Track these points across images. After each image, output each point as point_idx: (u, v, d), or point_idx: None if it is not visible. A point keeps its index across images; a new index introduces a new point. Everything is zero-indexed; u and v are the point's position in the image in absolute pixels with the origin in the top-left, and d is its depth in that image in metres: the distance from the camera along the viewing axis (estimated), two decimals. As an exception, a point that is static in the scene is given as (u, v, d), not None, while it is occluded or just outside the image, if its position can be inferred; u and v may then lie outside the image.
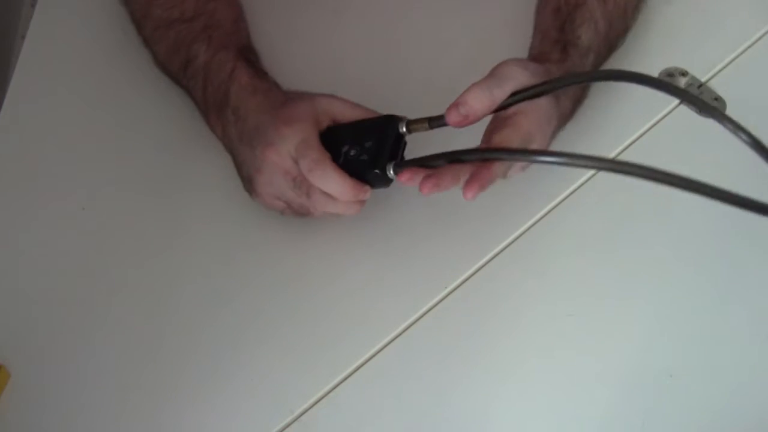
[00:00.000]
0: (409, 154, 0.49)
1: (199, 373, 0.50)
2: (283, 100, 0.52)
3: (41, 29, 0.68)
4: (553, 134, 0.52)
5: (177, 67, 0.57)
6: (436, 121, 0.47)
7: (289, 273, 0.54)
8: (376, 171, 0.47)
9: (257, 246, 0.55)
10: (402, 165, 0.47)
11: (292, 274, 0.54)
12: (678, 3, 0.68)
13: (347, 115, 0.50)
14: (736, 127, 0.37)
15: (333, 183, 0.47)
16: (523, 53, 0.57)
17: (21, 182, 0.59)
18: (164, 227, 0.56)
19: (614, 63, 0.63)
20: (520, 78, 0.46)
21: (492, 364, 0.50)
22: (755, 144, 0.37)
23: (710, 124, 0.40)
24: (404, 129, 0.48)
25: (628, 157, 0.59)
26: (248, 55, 0.57)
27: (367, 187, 0.48)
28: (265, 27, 0.63)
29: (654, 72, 0.63)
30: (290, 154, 0.48)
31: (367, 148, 0.48)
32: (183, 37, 0.57)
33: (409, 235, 0.55)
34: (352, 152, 0.48)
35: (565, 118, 0.53)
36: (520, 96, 0.46)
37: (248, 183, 0.52)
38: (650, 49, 0.64)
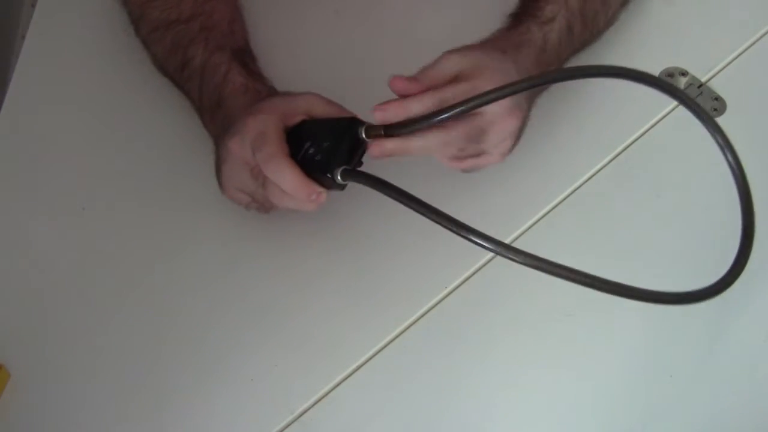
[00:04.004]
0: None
1: (199, 373, 0.49)
2: (264, 98, 0.51)
3: (41, 29, 0.68)
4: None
5: (174, 68, 0.58)
6: (391, 129, 0.45)
7: (288, 273, 0.54)
8: (328, 174, 0.45)
9: (258, 246, 0.55)
10: (352, 173, 0.45)
11: (292, 274, 0.54)
12: (678, 3, 0.68)
13: (321, 111, 0.49)
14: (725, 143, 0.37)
15: (285, 178, 0.46)
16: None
17: (21, 182, 0.59)
18: (164, 227, 0.56)
19: (614, 62, 0.63)
20: (456, 66, 0.47)
21: (492, 364, 0.50)
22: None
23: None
24: (363, 134, 0.46)
25: (630, 156, 0.59)
26: (243, 57, 0.56)
27: (319, 188, 0.46)
28: (267, 27, 0.63)
29: (654, 72, 0.63)
30: (250, 144, 0.47)
31: (324, 149, 0.46)
32: (180, 39, 0.57)
33: (409, 234, 0.55)
34: (311, 150, 0.47)
35: (528, 73, 0.51)
36: (494, 95, 0.42)
37: (217, 176, 0.53)
38: (650, 49, 0.64)
